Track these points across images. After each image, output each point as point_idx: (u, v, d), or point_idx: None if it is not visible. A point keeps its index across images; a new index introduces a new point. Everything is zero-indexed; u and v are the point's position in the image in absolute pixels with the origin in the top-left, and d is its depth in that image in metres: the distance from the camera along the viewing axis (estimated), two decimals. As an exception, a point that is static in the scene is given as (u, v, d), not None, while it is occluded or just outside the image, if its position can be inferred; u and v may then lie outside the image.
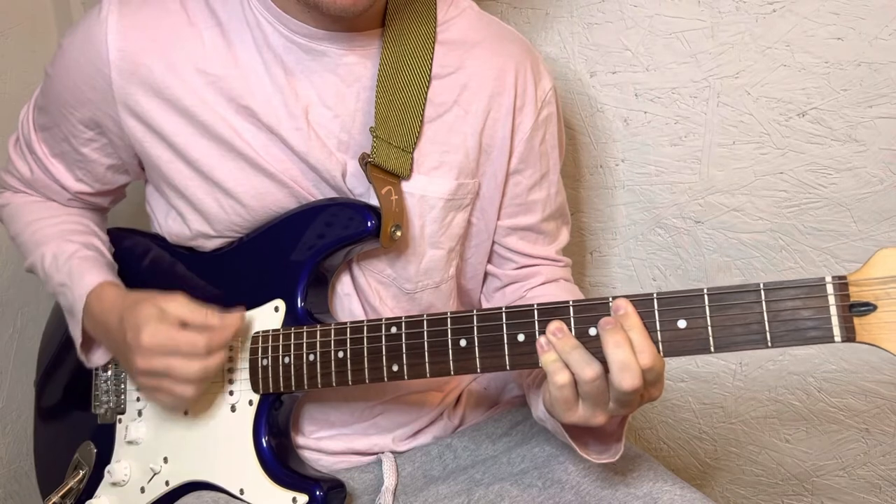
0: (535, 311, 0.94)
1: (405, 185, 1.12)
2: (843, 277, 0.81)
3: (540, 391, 1.02)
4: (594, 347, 0.89)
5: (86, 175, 1.23)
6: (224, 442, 1.13)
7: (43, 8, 1.72)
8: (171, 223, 1.20)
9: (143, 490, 1.17)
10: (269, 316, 1.12)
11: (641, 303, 0.89)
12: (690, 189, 1.50)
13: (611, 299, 0.90)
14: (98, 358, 1.21)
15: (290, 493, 1.08)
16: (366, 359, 1.03)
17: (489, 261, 1.26)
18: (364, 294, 1.16)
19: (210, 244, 1.18)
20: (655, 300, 0.88)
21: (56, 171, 1.23)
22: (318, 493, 1.07)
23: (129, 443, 1.20)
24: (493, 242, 1.24)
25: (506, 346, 0.95)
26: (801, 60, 1.37)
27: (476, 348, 0.97)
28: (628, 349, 0.87)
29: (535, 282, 1.25)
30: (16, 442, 1.67)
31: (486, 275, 1.27)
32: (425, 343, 0.99)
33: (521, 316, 0.95)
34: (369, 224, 1.07)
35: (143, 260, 1.25)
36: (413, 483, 1.20)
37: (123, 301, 1.10)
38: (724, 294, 0.85)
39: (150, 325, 1.03)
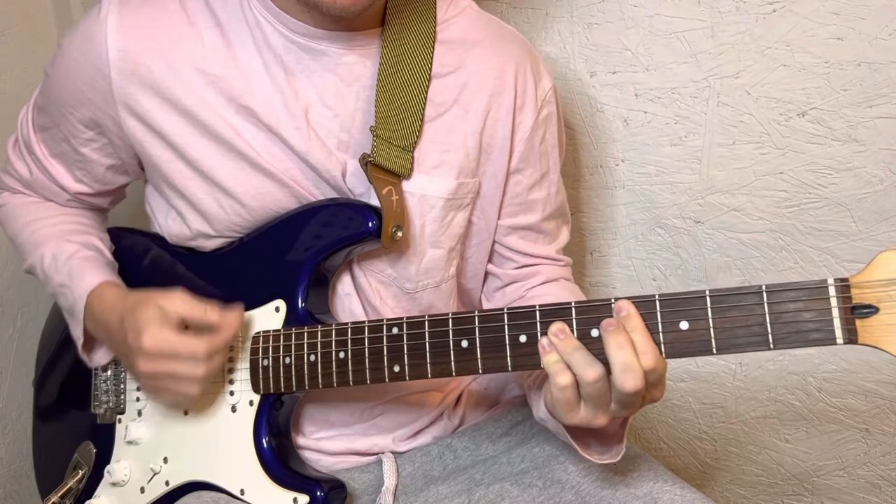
0: (537, 313, 0.94)
1: (405, 185, 1.12)
2: (846, 279, 0.81)
3: (541, 392, 1.02)
4: (596, 349, 0.89)
5: (85, 175, 1.23)
6: (224, 442, 1.13)
7: (43, 8, 1.72)
8: (171, 223, 1.19)
9: (142, 490, 1.17)
10: (269, 316, 1.12)
11: (643, 304, 0.89)
12: (690, 189, 1.50)
13: (613, 300, 0.90)
14: (100, 357, 1.21)
15: (291, 494, 1.08)
16: (367, 359, 1.03)
17: (489, 260, 1.26)
18: (365, 294, 1.16)
19: (210, 244, 1.18)
20: (657, 301, 0.88)
21: (55, 171, 1.23)
22: (318, 493, 1.07)
23: (129, 443, 1.20)
24: (494, 242, 1.24)
25: (507, 347, 0.95)
26: (801, 60, 1.37)
27: (478, 349, 0.97)
28: (630, 350, 0.87)
29: (535, 281, 1.25)
30: (16, 442, 1.67)
31: (486, 274, 1.27)
32: (427, 344, 0.99)
33: (522, 317, 0.95)
34: (370, 224, 1.07)
35: (143, 260, 1.25)
36: (413, 483, 1.20)
37: (124, 301, 1.10)
38: (726, 296, 0.85)
39: (150, 329, 1.03)
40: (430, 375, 0.99)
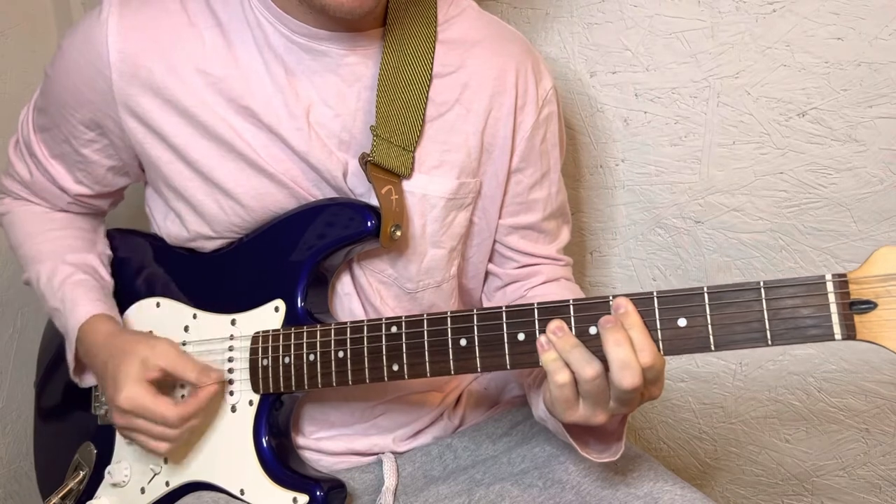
0: (536, 310, 0.94)
1: (406, 185, 1.12)
2: (844, 275, 0.81)
3: (540, 390, 1.02)
4: (594, 346, 0.89)
5: (86, 177, 1.23)
6: (224, 442, 1.13)
7: (43, 8, 1.72)
8: (170, 225, 1.20)
9: (143, 491, 1.17)
10: (269, 316, 1.12)
11: (642, 301, 0.89)
12: (690, 189, 1.50)
13: (611, 298, 0.90)
14: (90, 380, 1.23)
15: (291, 494, 1.08)
16: (366, 358, 1.03)
17: (490, 260, 1.26)
18: (365, 294, 1.16)
19: (210, 245, 1.18)
20: (656, 299, 0.88)
21: (56, 172, 1.23)
22: (318, 493, 1.07)
23: (130, 443, 1.20)
24: (495, 241, 1.24)
25: (506, 345, 0.95)
26: (801, 60, 1.37)
27: (476, 347, 0.97)
28: (628, 348, 0.87)
29: (535, 281, 1.25)
30: (16, 442, 1.67)
31: (487, 274, 1.27)
32: (425, 342, 0.99)
33: (521, 315, 0.95)
34: (369, 224, 1.07)
35: (143, 261, 1.26)
36: (413, 483, 1.19)
37: (112, 343, 1.12)
38: (724, 292, 0.85)
39: (127, 387, 1.06)
40: (428, 374, 0.99)
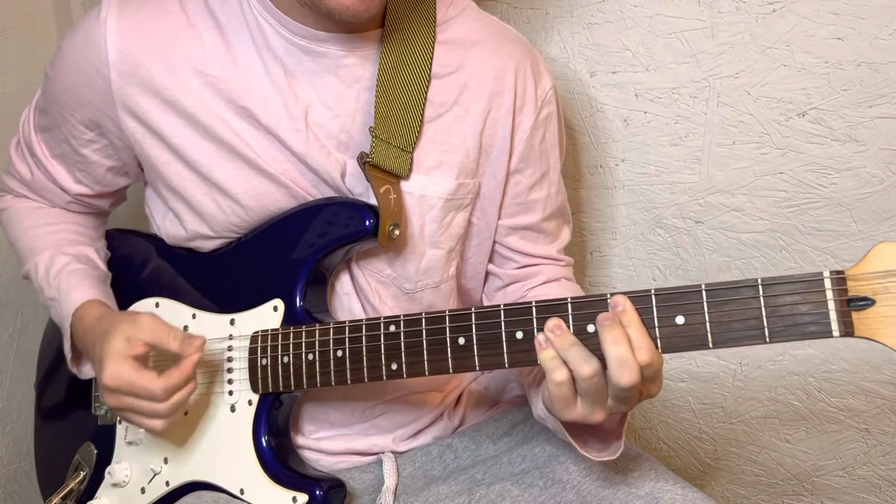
0: (534, 309, 0.94)
1: (404, 185, 1.12)
2: (841, 272, 0.81)
3: (540, 389, 1.02)
4: (592, 344, 0.89)
5: (86, 177, 1.23)
6: (224, 442, 1.13)
7: (43, 8, 1.72)
8: (169, 225, 1.20)
9: (143, 491, 1.17)
10: (267, 315, 1.12)
11: (639, 299, 0.89)
12: (690, 189, 1.50)
13: (609, 296, 0.90)
14: (89, 370, 1.22)
15: (290, 493, 1.08)
16: (364, 357, 1.03)
17: (490, 260, 1.26)
18: (364, 293, 1.16)
19: (209, 245, 1.18)
20: (653, 296, 0.88)
21: (56, 172, 1.23)
22: (318, 492, 1.07)
23: (130, 443, 1.20)
24: (494, 242, 1.24)
25: (504, 343, 0.95)
26: (801, 60, 1.37)
27: (475, 346, 0.97)
28: (626, 345, 0.87)
29: (536, 281, 1.25)
30: (16, 442, 1.67)
31: (487, 274, 1.27)
32: (424, 341, 0.99)
33: (519, 313, 0.94)
34: (367, 223, 1.07)
35: (142, 261, 1.26)
36: (414, 483, 1.19)
37: (99, 325, 1.11)
38: (722, 290, 0.85)
39: (111, 364, 1.04)
40: (427, 373, 0.99)
